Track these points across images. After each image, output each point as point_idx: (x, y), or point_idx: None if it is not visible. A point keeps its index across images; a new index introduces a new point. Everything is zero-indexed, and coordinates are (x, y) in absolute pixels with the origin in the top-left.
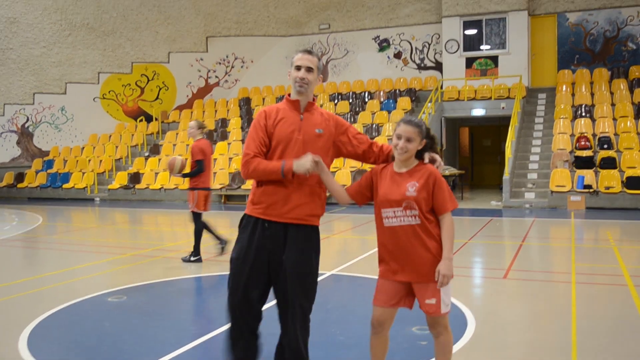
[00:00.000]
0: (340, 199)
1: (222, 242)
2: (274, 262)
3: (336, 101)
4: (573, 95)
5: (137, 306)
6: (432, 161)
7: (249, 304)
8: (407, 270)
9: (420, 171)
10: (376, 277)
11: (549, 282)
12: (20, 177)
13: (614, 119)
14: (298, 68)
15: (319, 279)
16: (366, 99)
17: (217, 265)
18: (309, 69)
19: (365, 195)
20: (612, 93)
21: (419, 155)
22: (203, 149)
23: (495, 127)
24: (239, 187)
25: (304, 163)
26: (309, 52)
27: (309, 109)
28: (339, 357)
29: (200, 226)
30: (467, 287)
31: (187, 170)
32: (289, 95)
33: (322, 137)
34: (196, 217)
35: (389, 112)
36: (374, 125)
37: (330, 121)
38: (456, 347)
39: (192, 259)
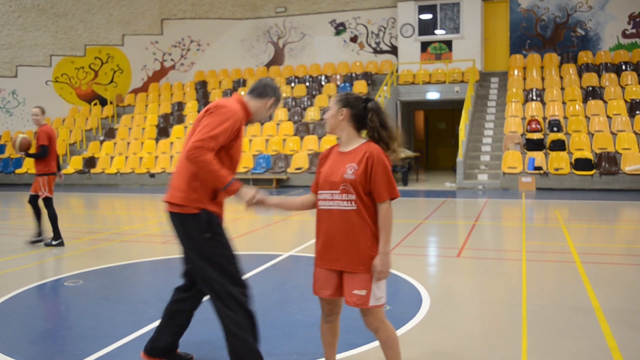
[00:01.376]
0: (308, 206)
1: (41, 235)
2: None
3: (293, 85)
4: (524, 79)
5: (94, 290)
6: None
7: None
8: (338, 258)
9: (361, 151)
10: None
11: (501, 260)
12: None
13: (564, 103)
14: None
15: (278, 259)
16: (323, 83)
17: (174, 248)
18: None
19: None
20: (561, 77)
21: (369, 134)
22: (49, 134)
23: (450, 110)
24: None
25: (248, 198)
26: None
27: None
28: (298, 335)
29: (54, 211)
30: (421, 266)
31: (33, 151)
32: (245, 104)
33: None
34: (48, 202)
35: None
36: None
37: None
38: (411, 324)
39: (53, 243)
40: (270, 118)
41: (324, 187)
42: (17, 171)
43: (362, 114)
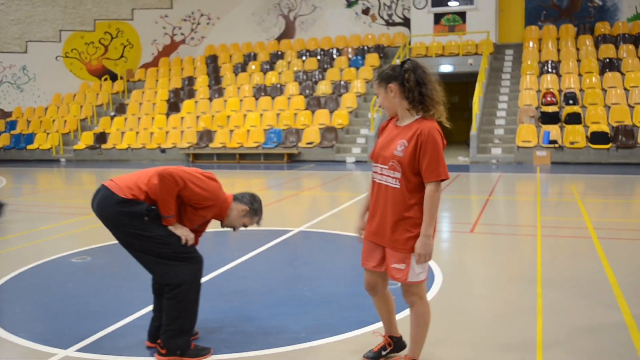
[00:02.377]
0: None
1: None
2: None
3: (304, 58)
4: (540, 51)
5: (102, 267)
6: None
7: None
8: (380, 233)
9: (414, 128)
10: (345, 233)
11: (515, 235)
12: None
13: (580, 75)
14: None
15: (288, 235)
16: (334, 56)
17: None
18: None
19: None
20: (577, 49)
21: (410, 100)
22: None
23: (463, 83)
24: (207, 145)
25: (179, 233)
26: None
27: None
28: (307, 313)
29: None
30: (434, 242)
31: None
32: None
33: None
34: None
35: (357, 69)
36: (342, 82)
37: None
38: None
39: None
40: (244, 226)
41: (376, 160)
42: (29, 147)
43: (402, 80)
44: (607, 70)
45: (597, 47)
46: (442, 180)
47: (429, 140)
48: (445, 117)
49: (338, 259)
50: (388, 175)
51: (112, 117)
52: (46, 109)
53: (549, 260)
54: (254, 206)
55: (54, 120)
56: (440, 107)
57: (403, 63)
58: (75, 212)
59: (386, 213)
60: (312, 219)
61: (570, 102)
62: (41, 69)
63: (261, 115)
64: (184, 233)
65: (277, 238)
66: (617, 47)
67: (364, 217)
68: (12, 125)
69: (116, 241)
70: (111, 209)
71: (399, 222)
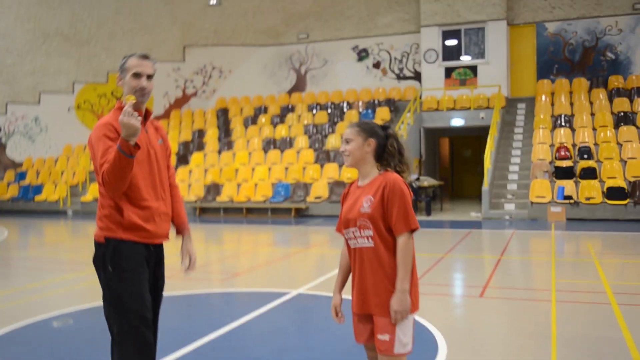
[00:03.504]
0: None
1: None
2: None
3: (314, 111)
4: (552, 105)
5: (83, 330)
6: None
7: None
8: (363, 300)
9: (378, 181)
10: (349, 297)
11: (528, 300)
12: None
13: (594, 129)
14: (138, 75)
15: (284, 299)
16: (345, 109)
17: (195, 284)
18: (149, 77)
19: None
20: (591, 103)
21: (385, 162)
22: None
23: (475, 137)
24: (214, 199)
25: (126, 122)
26: (148, 57)
27: (147, 118)
28: None
29: None
30: (441, 307)
31: None
32: (117, 106)
33: (163, 148)
34: None
35: None
36: None
37: (161, 131)
38: None
39: None
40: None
41: (346, 225)
42: (37, 198)
43: (384, 143)
44: (622, 123)
45: (611, 100)
46: (413, 231)
47: (396, 190)
48: (410, 174)
49: (336, 327)
50: (360, 237)
51: None
52: (56, 160)
53: (565, 329)
54: (122, 61)
55: (62, 172)
56: (410, 170)
57: (385, 127)
58: (72, 268)
59: (365, 276)
60: (312, 280)
61: (585, 156)
62: (53, 120)
63: (270, 168)
64: (132, 123)
65: (270, 302)
66: (631, 101)
67: (340, 293)
68: (21, 175)
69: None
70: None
71: (378, 283)
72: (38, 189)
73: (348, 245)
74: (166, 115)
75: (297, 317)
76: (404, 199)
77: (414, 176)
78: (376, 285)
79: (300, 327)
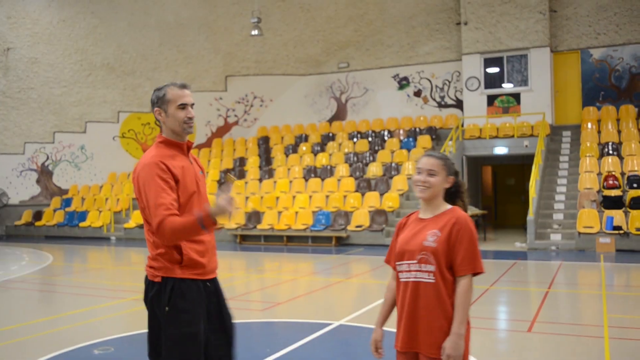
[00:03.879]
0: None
1: None
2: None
3: (355, 140)
4: (599, 132)
5: (130, 356)
6: None
7: None
8: (414, 340)
9: (447, 217)
10: (391, 329)
11: (579, 336)
12: (38, 216)
13: None
14: (184, 106)
15: (326, 329)
16: (385, 138)
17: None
18: (192, 106)
19: None
20: (639, 130)
21: (450, 199)
22: None
23: (519, 165)
24: (255, 226)
25: (224, 207)
26: (187, 86)
27: (190, 149)
28: None
29: None
30: (487, 342)
31: None
32: (164, 136)
33: (204, 178)
34: None
35: (409, 151)
36: (392, 164)
37: (199, 162)
38: None
39: None
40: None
41: (401, 257)
42: (81, 224)
43: (458, 182)
44: None
45: None
46: (476, 274)
47: (466, 229)
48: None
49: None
50: (418, 270)
51: None
52: (101, 187)
53: None
54: (160, 93)
55: (106, 199)
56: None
57: (453, 164)
58: (114, 294)
59: (418, 313)
60: (355, 310)
61: (635, 185)
62: (98, 149)
63: (310, 197)
64: (224, 206)
65: (312, 333)
66: None
67: (381, 327)
68: (67, 202)
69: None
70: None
71: (433, 322)
72: (83, 216)
73: (398, 278)
74: (208, 143)
75: (338, 349)
76: (473, 238)
77: None
78: (431, 324)
79: (345, 358)
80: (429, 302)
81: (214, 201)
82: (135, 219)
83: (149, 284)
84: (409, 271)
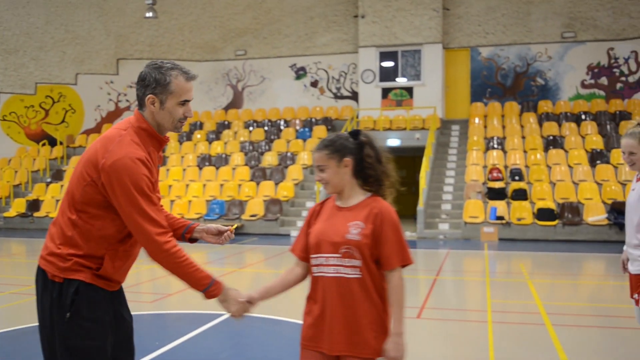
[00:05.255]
0: (296, 281)
1: None
2: None
3: (251, 128)
4: (485, 127)
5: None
6: None
7: None
8: (335, 339)
9: (368, 207)
10: (288, 319)
11: (466, 321)
12: None
13: (525, 152)
14: (184, 103)
15: (219, 320)
16: (282, 127)
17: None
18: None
19: None
20: (522, 126)
21: (365, 176)
22: None
23: (410, 157)
24: None
25: (234, 309)
26: (194, 78)
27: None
28: None
29: None
30: None
31: None
32: (147, 123)
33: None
34: None
35: (305, 141)
36: (288, 154)
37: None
38: None
39: None
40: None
41: (317, 250)
42: None
43: (360, 155)
44: (551, 147)
45: (540, 124)
46: (405, 266)
47: (390, 220)
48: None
49: (271, 350)
50: (340, 265)
51: (48, 184)
52: None
53: (502, 351)
54: (162, 79)
55: None
56: (391, 182)
57: (356, 134)
58: None
59: (341, 312)
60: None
61: (516, 178)
62: None
63: (204, 185)
64: (235, 309)
65: (206, 323)
66: (559, 125)
67: (267, 291)
68: None
69: (27, 325)
70: None
71: (361, 319)
72: None
73: (311, 272)
74: (97, 129)
75: (229, 340)
76: (398, 230)
77: None
78: (358, 323)
79: (235, 350)
80: (356, 299)
81: (231, 295)
82: (17, 207)
83: (45, 281)
84: (328, 265)
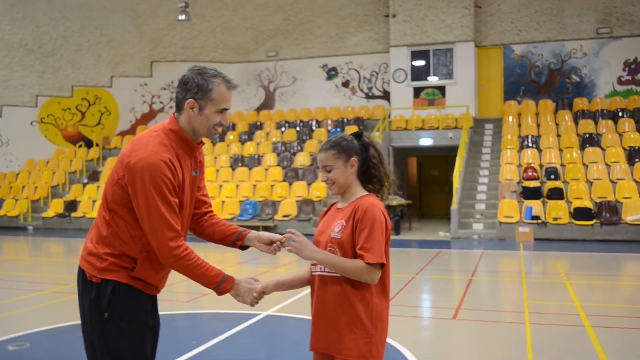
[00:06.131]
0: (308, 278)
1: None
2: None
3: (283, 129)
4: (519, 125)
5: (38, 356)
6: None
7: None
8: (322, 337)
9: (354, 205)
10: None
11: (502, 323)
12: None
13: (560, 150)
14: (222, 111)
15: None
16: (313, 127)
17: None
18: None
19: None
20: (557, 124)
21: (370, 180)
22: None
23: (443, 157)
24: None
25: (249, 301)
26: (236, 87)
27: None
28: None
29: None
30: (412, 329)
31: None
32: (180, 126)
33: (197, 179)
34: None
35: None
36: None
37: (201, 157)
38: None
39: None
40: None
41: None
42: None
43: (364, 156)
44: (587, 145)
45: (576, 122)
46: (373, 265)
47: (368, 215)
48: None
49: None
50: None
51: (85, 185)
52: (17, 174)
53: (540, 353)
54: (205, 85)
55: (23, 187)
56: (390, 182)
57: (359, 135)
58: (31, 286)
59: (326, 310)
60: (283, 300)
61: (552, 177)
62: (15, 134)
63: (237, 186)
64: (247, 298)
65: (239, 324)
66: (596, 123)
67: (279, 283)
68: None
69: (66, 323)
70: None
71: (339, 320)
72: None
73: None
74: (132, 130)
75: (265, 340)
76: (375, 225)
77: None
78: (337, 322)
79: (270, 352)
80: (334, 298)
81: (243, 288)
82: (55, 207)
83: (84, 282)
84: (315, 264)
